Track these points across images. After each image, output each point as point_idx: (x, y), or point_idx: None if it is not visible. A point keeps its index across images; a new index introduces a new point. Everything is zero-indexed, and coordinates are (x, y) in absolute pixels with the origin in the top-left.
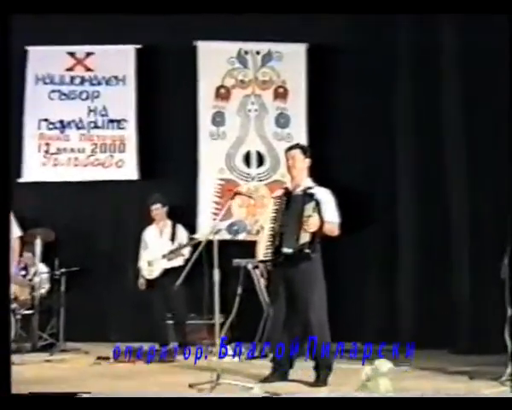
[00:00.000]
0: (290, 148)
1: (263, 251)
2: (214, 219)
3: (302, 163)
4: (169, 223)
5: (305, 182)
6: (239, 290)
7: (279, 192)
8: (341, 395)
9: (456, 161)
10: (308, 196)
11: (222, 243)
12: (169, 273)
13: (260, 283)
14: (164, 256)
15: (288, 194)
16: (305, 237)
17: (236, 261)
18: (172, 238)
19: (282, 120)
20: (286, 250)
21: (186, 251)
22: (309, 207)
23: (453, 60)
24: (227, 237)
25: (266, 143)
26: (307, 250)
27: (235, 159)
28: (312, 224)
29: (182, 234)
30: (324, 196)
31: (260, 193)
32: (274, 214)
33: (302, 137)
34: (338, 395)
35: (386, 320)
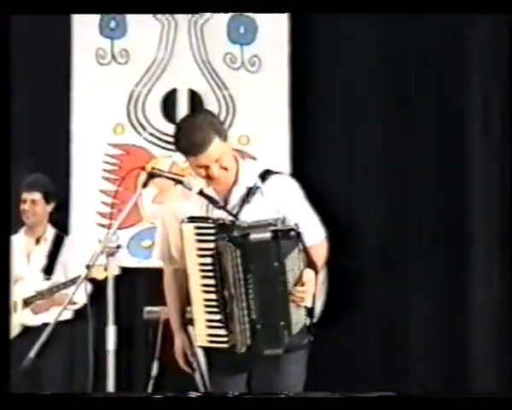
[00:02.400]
0: (195, 149)
1: (204, 330)
2: (108, 227)
3: (228, 150)
4: (51, 233)
5: (242, 177)
6: (154, 369)
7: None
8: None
9: None
10: (282, 236)
11: (123, 273)
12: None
13: (198, 358)
14: (27, 303)
15: (221, 226)
16: (299, 316)
17: (150, 311)
18: (50, 265)
19: (242, 29)
20: (270, 353)
21: (82, 293)
22: (292, 262)
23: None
24: (131, 261)
25: (210, 75)
26: (309, 338)
27: (145, 106)
28: (309, 290)
29: (72, 256)
30: (287, 199)
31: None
32: (206, 262)
33: (283, 66)
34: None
35: None
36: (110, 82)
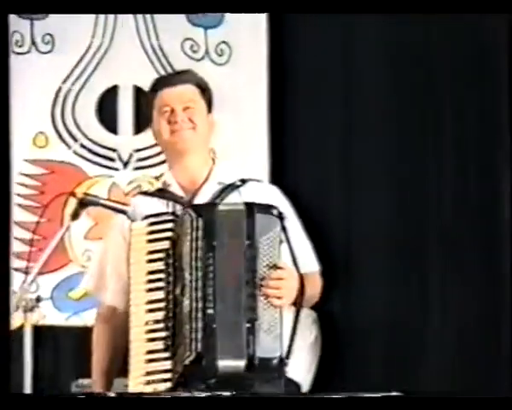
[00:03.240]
0: (168, 80)
1: (139, 372)
2: (25, 272)
3: (206, 122)
4: None
5: (215, 170)
6: None
7: (147, 203)
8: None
9: None
10: (259, 210)
11: (45, 332)
12: None
13: None
14: None
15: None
16: (271, 320)
17: (81, 384)
18: None
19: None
20: (227, 365)
21: None
22: (269, 246)
23: None
24: (56, 317)
25: (163, 68)
26: (281, 355)
27: (75, 108)
28: (288, 285)
29: None
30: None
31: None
32: (155, 272)
33: (260, 56)
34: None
35: None
36: (29, 77)
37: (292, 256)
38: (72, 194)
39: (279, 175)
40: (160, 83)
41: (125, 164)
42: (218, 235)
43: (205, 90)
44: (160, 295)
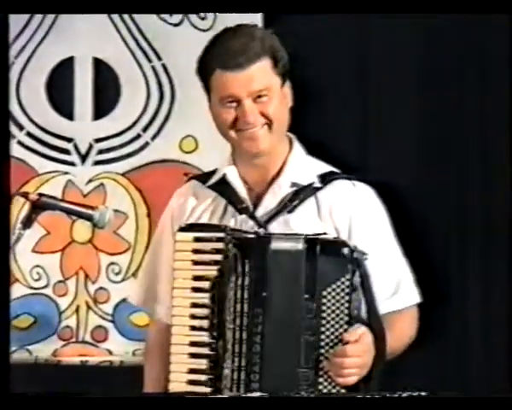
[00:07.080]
0: (231, 55)
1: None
2: None
3: (281, 103)
4: None
5: (289, 162)
6: None
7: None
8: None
9: None
10: (324, 250)
11: None
12: None
13: None
14: None
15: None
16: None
17: None
18: None
19: None
20: None
21: None
22: (336, 300)
23: None
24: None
25: (131, 34)
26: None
27: (20, 88)
28: (357, 363)
29: None
30: (361, 224)
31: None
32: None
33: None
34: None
35: None
36: None
37: (369, 310)
38: (24, 195)
39: None
40: (219, 58)
41: (84, 157)
42: (269, 284)
43: (279, 61)
44: (204, 337)
